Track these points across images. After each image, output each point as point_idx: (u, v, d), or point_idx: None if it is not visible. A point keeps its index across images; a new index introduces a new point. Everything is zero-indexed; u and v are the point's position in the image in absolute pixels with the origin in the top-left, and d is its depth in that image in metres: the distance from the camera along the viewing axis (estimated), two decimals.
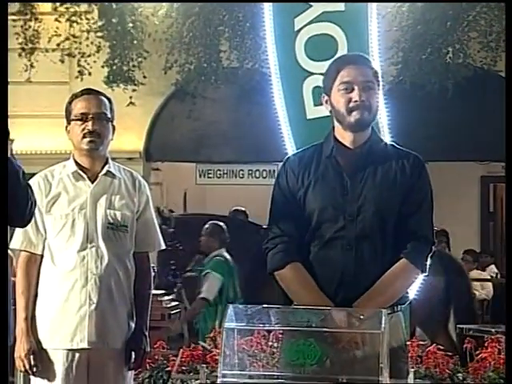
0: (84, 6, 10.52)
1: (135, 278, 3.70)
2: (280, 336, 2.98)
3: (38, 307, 3.62)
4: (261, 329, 2.83)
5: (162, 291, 7.36)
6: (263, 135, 9.37)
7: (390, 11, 9.97)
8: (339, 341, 2.72)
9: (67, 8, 10.50)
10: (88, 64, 10.50)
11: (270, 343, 3.37)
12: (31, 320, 3.60)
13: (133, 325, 3.67)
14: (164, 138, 11.62)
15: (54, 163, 3.80)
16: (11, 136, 2.90)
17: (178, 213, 10.73)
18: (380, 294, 2.99)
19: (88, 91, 3.73)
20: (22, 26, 10.49)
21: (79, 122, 3.64)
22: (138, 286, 3.70)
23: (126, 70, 10.53)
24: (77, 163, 3.70)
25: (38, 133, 10.86)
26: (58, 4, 10.51)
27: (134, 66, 10.57)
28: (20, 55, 10.49)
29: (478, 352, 5.23)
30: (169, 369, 5.46)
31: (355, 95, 3.07)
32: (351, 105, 3.07)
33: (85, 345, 3.56)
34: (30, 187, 3.02)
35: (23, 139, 9.68)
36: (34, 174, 3.61)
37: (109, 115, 3.69)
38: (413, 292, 3.68)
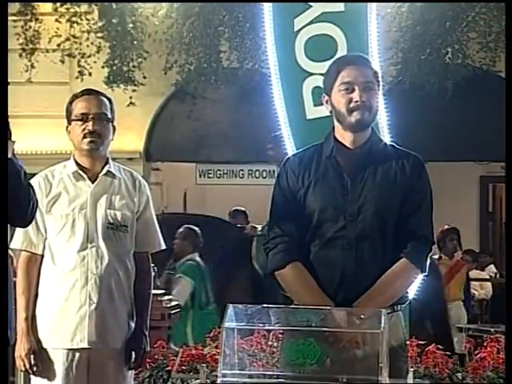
0: (84, 7, 10.53)
1: (135, 277, 3.70)
2: (280, 336, 2.99)
3: (38, 307, 3.63)
4: (261, 328, 2.83)
5: (162, 291, 7.36)
6: (263, 135, 9.37)
7: (390, 12, 9.98)
8: (339, 340, 2.73)
9: (67, 9, 10.51)
10: (88, 64, 10.51)
11: (270, 343, 3.37)
12: (31, 320, 3.61)
13: (133, 324, 3.68)
14: (164, 138, 11.63)
15: (54, 163, 3.81)
16: (13, 137, 2.92)
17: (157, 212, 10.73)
18: (380, 293, 3.00)
19: (88, 91, 3.74)
20: (22, 27, 10.50)
21: (80, 123, 3.65)
22: (138, 285, 3.71)
23: (126, 70, 10.54)
24: (77, 163, 3.70)
25: (39, 133, 10.86)
26: (58, 4, 10.52)
27: (134, 66, 10.58)
28: (20, 56, 10.50)
29: (477, 352, 5.24)
30: (169, 368, 5.47)
31: (356, 95, 3.07)
32: (352, 105, 3.08)
33: (85, 344, 3.56)
34: (32, 187, 3.03)
35: (24, 139, 9.66)
36: (34, 174, 3.61)
37: (109, 115, 3.70)
38: (412, 292, 3.68)
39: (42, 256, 3.64)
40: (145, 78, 10.64)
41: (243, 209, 9.80)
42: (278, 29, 5.15)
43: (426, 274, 3.14)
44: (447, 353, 5.22)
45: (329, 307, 2.88)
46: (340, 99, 3.10)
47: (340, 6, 5.07)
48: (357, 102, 3.07)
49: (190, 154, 11.71)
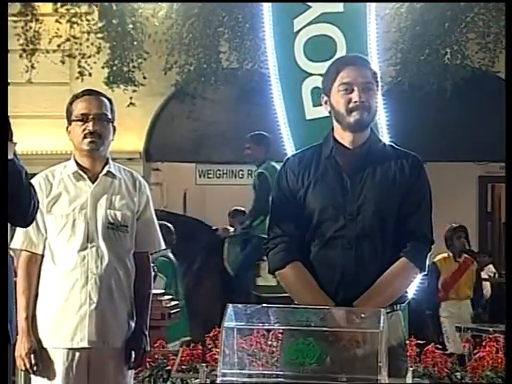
0: (84, 8, 10.54)
1: (135, 277, 3.71)
2: (279, 335, 3.00)
3: (38, 307, 3.63)
4: (260, 328, 2.83)
5: (162, 291, 7.38)
6: None
7: (389, 12, 10.00)
8: (338, 340, 2.73)
9: (68, 9, 10.52)
10: (88, 65, 10.52)
11: (270, 342, 3.38)
12: (32, 319, 3.61)
13: (133, 324, 3.68)
14: (164, 139, 11.63)
15: (54, 163, 3.81)
16: (14, 138, 2.93)
17: None
18: (380, 293, 3.01)
19: (89, 92, 3.74)
20: (22, 27, 10.51)
21: (80, 123, 3.65)
22: (138, 285, 3.71)
23: (126, 70, 10.55)
24: (77, 163, 3.71)
25: (39, 133, 10.87)
26: (58, 5, 10.53)
27: (134, 66, 10.59)
28: (21, 56, 10.51)
29: (476, 351, 5.25)
30: (169, 368, 5.48)
31: (355, 96, 3.09)
32: (351, 105, 3.09)
33: (85, 344, 3.57)
34: (33, 187, 3.04)
35: (24, 140, 9.66)
36: (34, 175, 3.62)
37: (109, 116, 3.70)
38: (412, 291, 3.69)
39: (43, 256, 3.65)
40: (145, 78, 10.64)
41: (243, 209, 9.79)
42: (277, 29, 5.17)
43: (426, 273, 3.16)
44: (446, 352, 5.23)
45: (328, 307, 2.89)
46: (339, 99, 3.11)
47: (339, 7, 5.09)
48: (356, 102, 3.08)
49: (190, 155, 11.72)
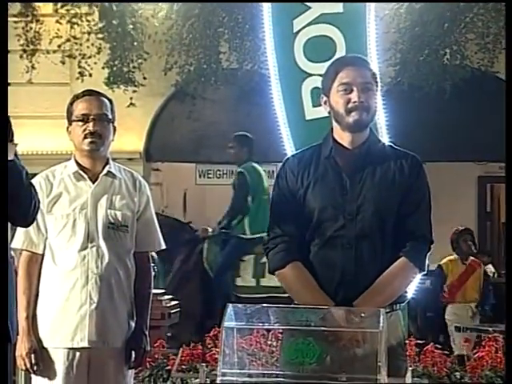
0: (85, 8, 10.55)
1: (135, 277, 3.71)
2: (279, 335, 3.01)
3: (39, 306, 3.64)
4: (260, 328, 2.84)
5: (162, 290, 7.38)
6: (263, 136, 9.39)
7: (388, 13, 10.01)
8: (338, 339, 2.74)
9: (68, 10, 10.52)
10: (89, 65, 10.52)
11: (270, 342, 3.39)
12: (32, 319, 3.61)
13: (133, 324, 3.69)
14: (164, 139, 11.64)
15: (55, 164, 3.82)
16: (15, 138, 2.93)
17: None
18: (379, 292, 3.02)
19: (89, 92, 3.74)
20: (23, 28, 10.51)
21: (80, 123, 3.66)
22: (138, 285, 3.72)
23: (126, 71, 10.55)
24: (78, 163, 3.72)
25: (39, 133, 10.87)
26: (58, 6, 10.53)
27: (134, 67, 10.59)
28: (21, 57, 10.51)
29: (475, 351, 5.26)
30: (169, 368, 5.50)
31: (354, 96, 3.10)
32: (350, 105, 3.10)
33: (85, 344, 3.57)
34: (34, 187, 3.05)
35: (24, 140, 9.66)
36: (35, 175, 3.62)
37: (110, 116, 3.71)
38: (411, 291, 3.70)
39: (43, 255, 3.65)
40: (145, 78, 10.65)
41: None
42: (277, 30, 5.18)
43: (425, 272, 3.16)
44: (445, 352, 5.24)
45: (328, 306, 2.90)
46: (338, 100, 3.12)
47: (339, 8, 5.10)
48: (355, 102, 3.09)
49: (190, 155, 11.72)
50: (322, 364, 2.67)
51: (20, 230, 3.64)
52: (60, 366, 3.58)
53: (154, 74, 10.78)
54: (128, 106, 10.46)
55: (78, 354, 3.58)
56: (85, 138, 3.66)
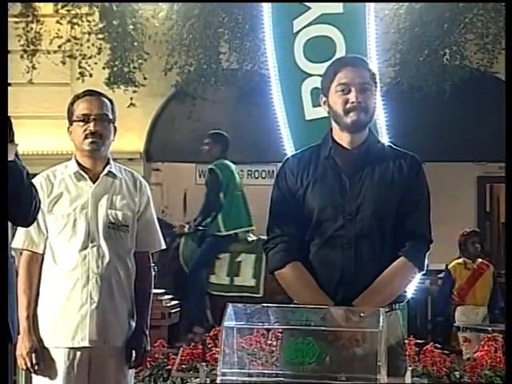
0: (85, 9, 10.55)
1: (136, 277, 3.72)
2: (279, 335, 3.02)
3: (39, 306, 3.64)
4: (260, 327, 2.84)
5: (162, 290, 7.39)
6: (262, 136, 9.41)
7: (388, 13, 10.01)
8: (338, 339, 2.75)
9: (68, 10, 10.53)
10: (89, 66, 10.53)
11: (269, 342, 3.40)
12: (33, 318, 3.62)
13: (133, 323, 3.69)
14: (164, 139, 11.65)
15: (55, 164, 3.82)
16: (15, 139, 2.94)
17: None
18: (378, 292, 3.02)
19: (90, 92, 3.75)
20: (23, 28, 10.52)
21: (81, 123, 3.67)
22: (138, 285, 3.72)
23: (126, 71, 10.56)
24: (78, 163, 3.72)
25: (40, 133, 10.88)
26: (59, 6, 10.54)
27: (134, 67, 10.60)
28: (22, 57, 10.51)
29: (474, 350, 5.27)
30: (169, 367, 5.50)
31: (352, 97, 3.10)
32: (348, 106, 3.11)
33: (86, 343, 3.58)
34: (35, 187, 3.06)
35: (25, 140, 9.67)
36: (35, 175, 3.62)
37: (110, 116, 3.71)
38: (410, 291, 3.71)
39: (43, 255, 3.66)
40: (145, 79, 10.66)
41: None
42: (277, 30, 5.19)
43: (424, 272, 3.17)
44: (445, 351, 5.25)
45: (327, 306, 2.91)
46: (336, 100, 3.13)
47: (339, 8, 5.11)
48: (353, 102, 3.10)
49: (190, 155, 11.71)
50: (321, 363, 2.67)
51: (21, 230, 3.64)
52: (61, 365, 3.59)
53: (155, 74, 10.79)
54: (128, 107, 10.46)
55: (78, 353, 3.59)
56: (85, 138, 3.66)
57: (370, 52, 5.05)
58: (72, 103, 3.74)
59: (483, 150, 10.77)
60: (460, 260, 8.51)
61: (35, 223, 3.45)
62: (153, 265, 3.89)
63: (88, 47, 10.59)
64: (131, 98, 10.61)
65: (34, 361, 3.58)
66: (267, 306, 2.78)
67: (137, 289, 3.72)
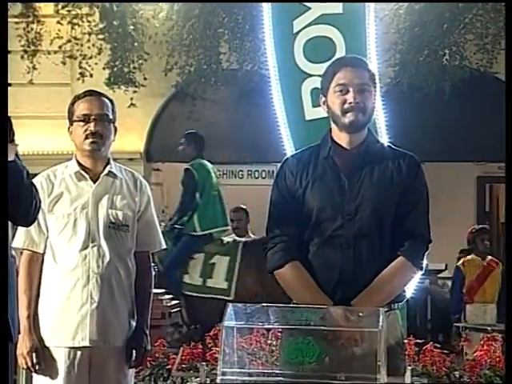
0: (85, 9, 10.57)
1: (136, 276, 3.72)
2: (279, 334, 3.02)
3: (40, 305, 3.65)
4: (260, 327, 2.85)
5: (163, 290, 7.40)
6: (262, 136, 9.42)
7: (388, 14, 10.02)
8: (337, 339, 2.75)
9: (69, 11, 10.54)
10: (89, 66, 10.54)
11: (269, 341, 3.41)
12: (33, 318, 3.62)
13: (134, 323, 3.70)
14: (164, 139, 11.65)
15: (56, 164, 3.83)
16: (16, 139, 2.95)
17: None
18: (377, 292, 3.03)
19: (90, 93, 3.75)
20: (24, 29, 10.53)
21: (81, 123, 3.67)
22: (138, 284, 3.73)
23: (126, 71, 10.58)
24: (79, 163, 3.73)
25: (40, 134, 10.89)
26: (59, 7, 10.55)
27: (134, 67, 10.61)
28: (22, 57, 10.52)
29: (474, 350, 5.28)
30: (169, 367, 5.51)
31: (350, 97, 3.11)
32: (346, 106, 3.11)
33: (86, 343, 3.58)
34: (35, 187, 3.07)
35: (25, 140, 9.68)
36: (36, 175, 3.63)
37: (111, 116, 3.72)
38: (410, 290, 3.72)
39: (44, 255, 3.66)
40: (145, 79, 10.67)
41: (244, 206, 9.84)
42: (277, 31, 5.20)
43: (423, 271, 3.18)
44: (445, 351, 5.25)
45: (327, 306, 2.91)
46: (335, 100, 3.13)
47: (339, 8, 5.11)
48: (351, 103, 3.10)
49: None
50: (321, 363, 2.68)
51: (21, 230, 3.65)
52: (61, 364, 3.59)
53: (155, 74, 10.80)
54: (129, 107, 10.48)
55: (79, 353, 3.59)
56: (86, 138, 3.67)
57: (369, 52, 5.06)
58: (72, 103, 3.74)
59: (483, 150, 10.77)
60: (469, 257, 8.44)
61: (35, 223, 3.45)
62: (153, 265, 3.89)
63: (88, 47, 10.60)
64: (131, 99, 10.62)
65: (34, 360, 3.59)
66: (267, 306, 2.78)
67: (137, 289, 3.72)
